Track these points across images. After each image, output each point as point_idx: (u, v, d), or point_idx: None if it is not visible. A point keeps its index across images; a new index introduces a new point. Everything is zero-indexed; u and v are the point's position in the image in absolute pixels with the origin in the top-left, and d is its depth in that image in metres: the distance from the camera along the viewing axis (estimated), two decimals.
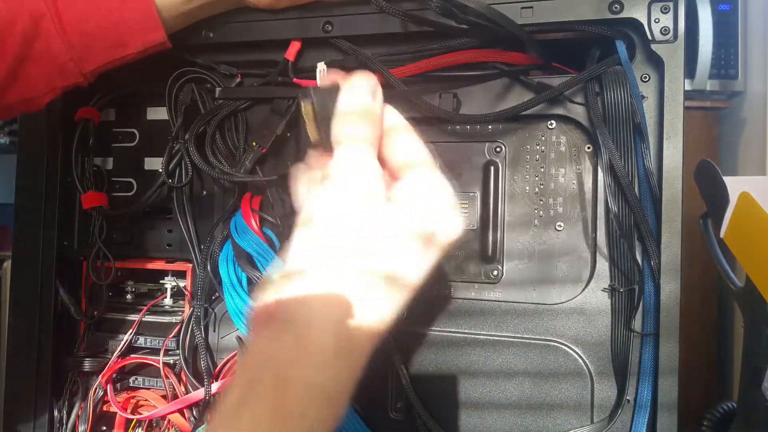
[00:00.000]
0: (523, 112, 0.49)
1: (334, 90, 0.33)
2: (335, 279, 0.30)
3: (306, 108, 0.33)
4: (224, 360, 0.55)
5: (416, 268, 0.32)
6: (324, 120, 0.33)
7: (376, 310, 0.31)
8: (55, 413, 0.59)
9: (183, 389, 0.56)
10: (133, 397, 0.58)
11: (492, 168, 0.51)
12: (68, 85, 0.49)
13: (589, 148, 0.50)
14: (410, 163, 0.33)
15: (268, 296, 0.31)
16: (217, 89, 0.55)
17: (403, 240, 0.31)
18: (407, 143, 0.34)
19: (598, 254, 0.48)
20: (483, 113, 0.49)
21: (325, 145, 0.33)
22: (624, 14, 0.46)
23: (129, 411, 0.58)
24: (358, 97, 0.32)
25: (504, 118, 0.50)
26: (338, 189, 0.31)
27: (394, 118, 0.34)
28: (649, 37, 0.46)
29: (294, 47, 0.52)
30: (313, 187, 0.33)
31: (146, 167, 0.60)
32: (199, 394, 0.55)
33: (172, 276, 0.60)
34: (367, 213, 0.31)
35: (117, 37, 0.48)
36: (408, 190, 0.32)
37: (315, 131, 0.34)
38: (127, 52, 0.49)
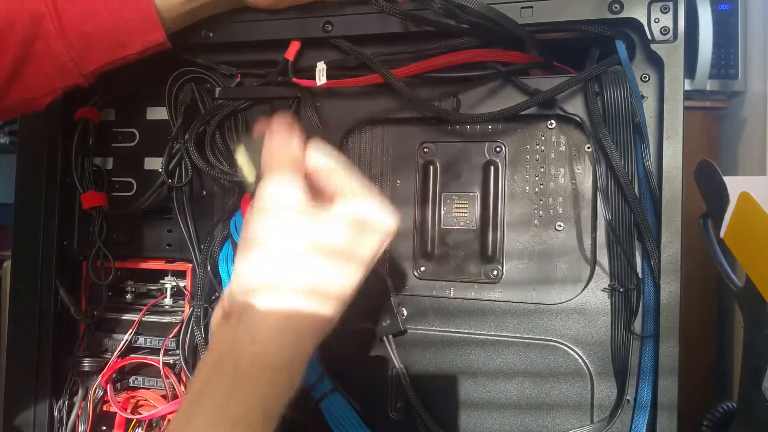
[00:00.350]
0: (523, 112, 0.49)
1: (261, 139, 0.38)
2: (272, 291, 0.35)
3: (240, 157, 0.39)
4: None
5: (342, 281, 0.37)
6: (257, 166, 0.38)
7: (313, 312, 0.36)
8: (55, 413, 0.59)
9: (183, 389, 0.56)
10: (133, 397, 0.58)
11: (492, 168, 0.51)
12: (68, 86, 0.49)
13: (589, 148, 0.50)
14: (341, 192, 0.38)
15: (223, 303, 0.38)
16: (217, 89, 0.55)
17: (326, 256, 0.36)
18: (338, 177, 0.38)
19: (598, 254, 0.48)
20: (483, 113, 0.49)
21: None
22: (624, 14, 0.46)
23: (129, 411, 0.58)
24: (276, 141, 0.38)
25: (503, 118, 0.50)
26: (260, 214, 0.36)
27: (326, 156, 0.39)
28: (649, 37, 0.46)
29: (294, 47, 0.52)
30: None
31: (146, 167, 0.60)
32: None
33: (172, 276, 0.60)
34: (289, 232, 0.36)
35: (117, 38, 0.48)
36: (334, 213, 0.37)
37: (249, 175, 0.39)
38: (127, 53, 0.49)
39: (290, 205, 0.36)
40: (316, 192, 0.38)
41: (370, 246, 0.37)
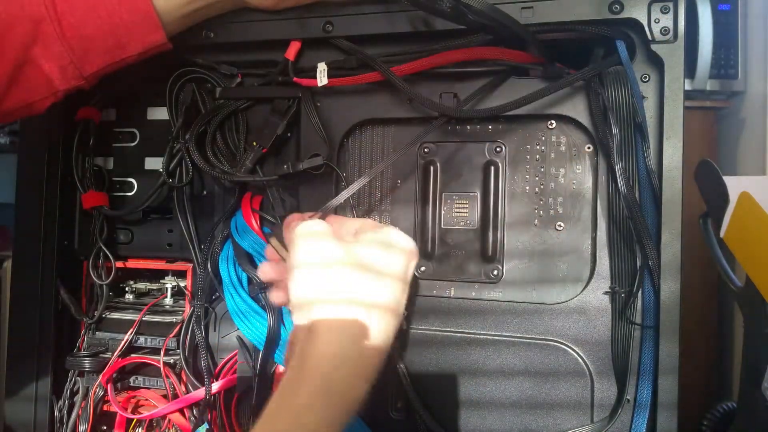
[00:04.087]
0: (524, 112, 0.49)
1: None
2: (325, 303, 0.40)
3: (273, 242, 0.47)
4: (224, 359, 0.55)
5: (384, 292, 0.41)
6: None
7: (364, 319, 0.40)
8: (56, 413, 0.59)
9: (183, 389, 0.56)
10: (133, 397, 0.59)
11: (492, 168, 0.51)
12: (69, 89, 0.49)
13: (589, 148, 0.50)
14: (360, 227, 0.45)
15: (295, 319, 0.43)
16: (218, 89, 0.55)
17: (364, 272, 0.41)
18: (354, 222, 0.47)
19: (598, 254, 0.48)
20: (484, 108, 0.49)
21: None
22: (624, 14, 0.46)
23: (129, 411, 0.58)
24: (292, 216, 0.48)
25: (504, 116, 0.50)
26: (300, 245, 0.42)
27: (338, 217, 0.48)
28: (649, 37, 0.46)
29: (294, 47, 0.52)
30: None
31: (147, 167, 0.60)
32: (200, 393, 0.55)
33: (173, 276, 0.60)
34: (328, 253, 0.41)
35: (117, 39, 0.48)
36: (361, 240, 0.43)
37: (282, 252, 0.47)
38: (127, 54, 0.49)
39: (323, 233, 0.42)
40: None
41: (399, 263, 0.43)
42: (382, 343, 0.41)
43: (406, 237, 0.44)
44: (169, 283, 0.60)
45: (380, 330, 0.40)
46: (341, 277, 0.40)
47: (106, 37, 0.47)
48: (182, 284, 0.59)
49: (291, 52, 0.52)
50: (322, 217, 0.47)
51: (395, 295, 0.42)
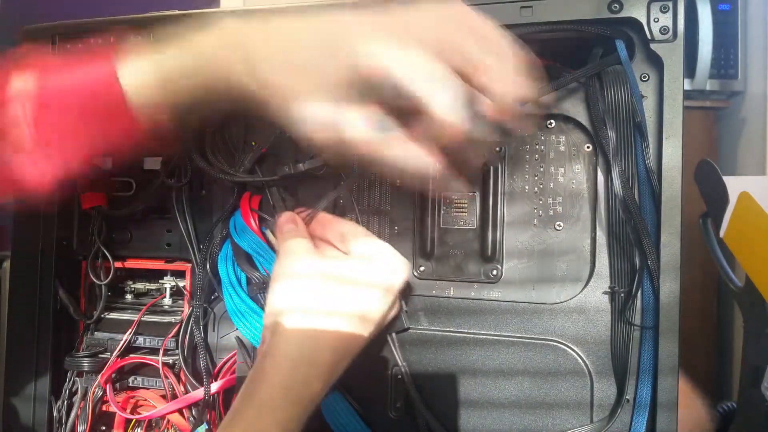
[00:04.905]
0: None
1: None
2: (288, 314, 0.43)
3: (268, 234, 0.53)
4: (223, 360, 0.55)
5: (357, 304, 0.44)
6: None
7: (328, 330, 0.43)
8: (55, 413, 0.59)
9: (182, 389, 0.56)
10: (132, 397, 0.58)
11: (491, 167, 0.51)
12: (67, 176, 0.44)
13: (588, 147, 0.50)
14: (345, 236, 0.48)
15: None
16: None
17: (337, 285, 0.44)
18: (342, 225, 0.49)
19: (597, 254, 0.48)
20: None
21: None
22: (623, 14, 0.46)
23: (128, 411, 0.58)
24: (284, 217, 0.50)
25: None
26: (279, 259, 0.47)
27: (328, 217, 0.50)
28: (649, 36, 0.46)
29: None
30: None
31: (145, 167, 0.60)
32: (199, 393, 0.55)
33: (172, 276, 0.60)
34: (302, 268, 0.45)
35: (112, 148, 0.45)
36: (338, 253, 0.47)
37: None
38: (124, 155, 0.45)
39: (301, 252, 0.45)
40: (324, 244, 0.49)
41: (380, 277, 0.45)
42: (344, 350, 0.44)
43: (399, 258, 0.47)
44: (168, 283, 0.59)
45: (346, 339, 0.43)
46: (311, 292, 0.44)
47: (87, 133, 0.43)
48: (181, 284, 0.59)
49: None
50: (312, 215, 0.50)
51: (369, 307, 0.44)
